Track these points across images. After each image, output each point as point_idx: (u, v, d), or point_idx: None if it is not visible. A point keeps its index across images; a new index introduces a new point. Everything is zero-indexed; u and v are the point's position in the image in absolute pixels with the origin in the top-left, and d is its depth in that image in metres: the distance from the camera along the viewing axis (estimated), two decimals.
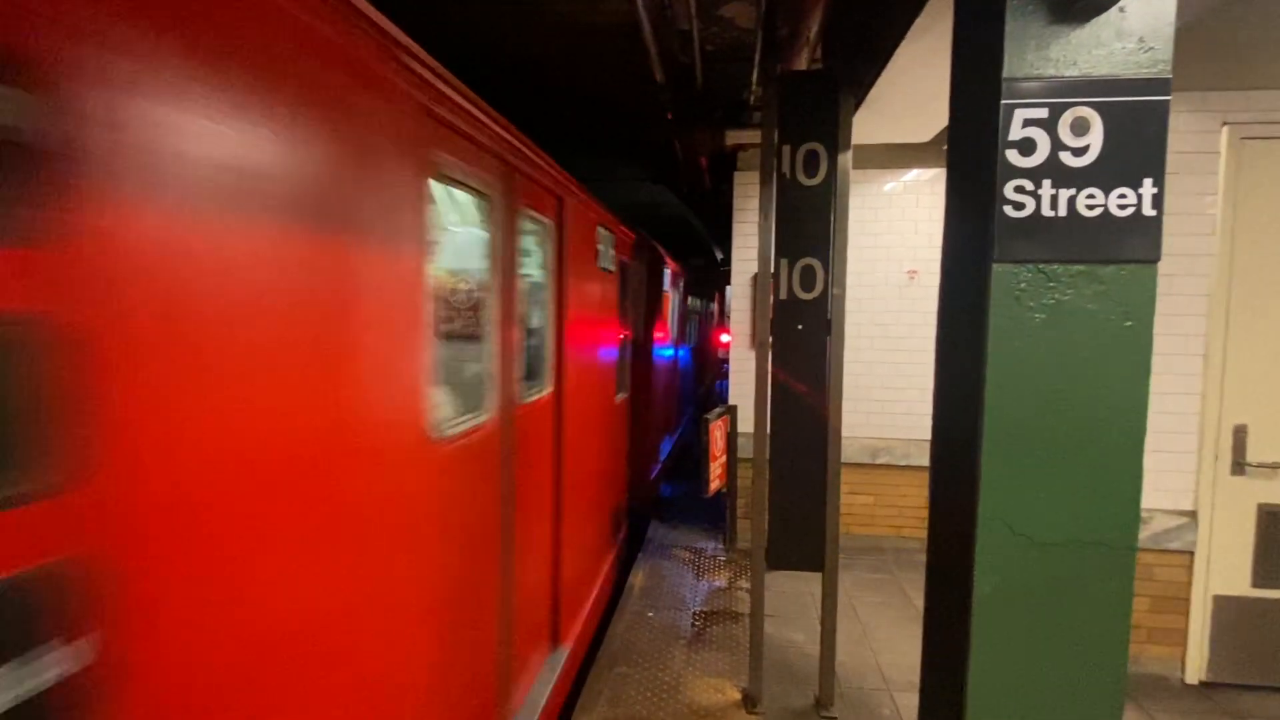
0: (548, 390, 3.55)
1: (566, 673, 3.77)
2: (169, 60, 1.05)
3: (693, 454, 8.64)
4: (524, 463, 3.13)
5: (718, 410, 5.76)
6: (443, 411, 2.21)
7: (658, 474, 7.92)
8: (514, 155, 2.82)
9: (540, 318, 3.53)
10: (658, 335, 7.76)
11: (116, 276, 0.97)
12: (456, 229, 2.75)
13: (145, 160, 1.01)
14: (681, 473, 8.95)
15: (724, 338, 12.59)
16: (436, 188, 2.12)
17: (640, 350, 6.75)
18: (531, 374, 3.33)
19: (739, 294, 6.24)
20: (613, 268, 5.03)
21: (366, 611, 1.70)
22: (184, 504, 1.10)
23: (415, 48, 1.86)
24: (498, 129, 2.54)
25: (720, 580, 5.48)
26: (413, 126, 1.91)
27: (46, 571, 0.89)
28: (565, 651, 3.78)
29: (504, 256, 2.85)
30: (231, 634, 1.22)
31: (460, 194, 2.57)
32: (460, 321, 2.75)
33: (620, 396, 5.62)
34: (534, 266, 3.44)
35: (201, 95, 1.12)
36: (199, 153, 1.12)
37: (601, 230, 4.63)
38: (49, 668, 0.89)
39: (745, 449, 5.34)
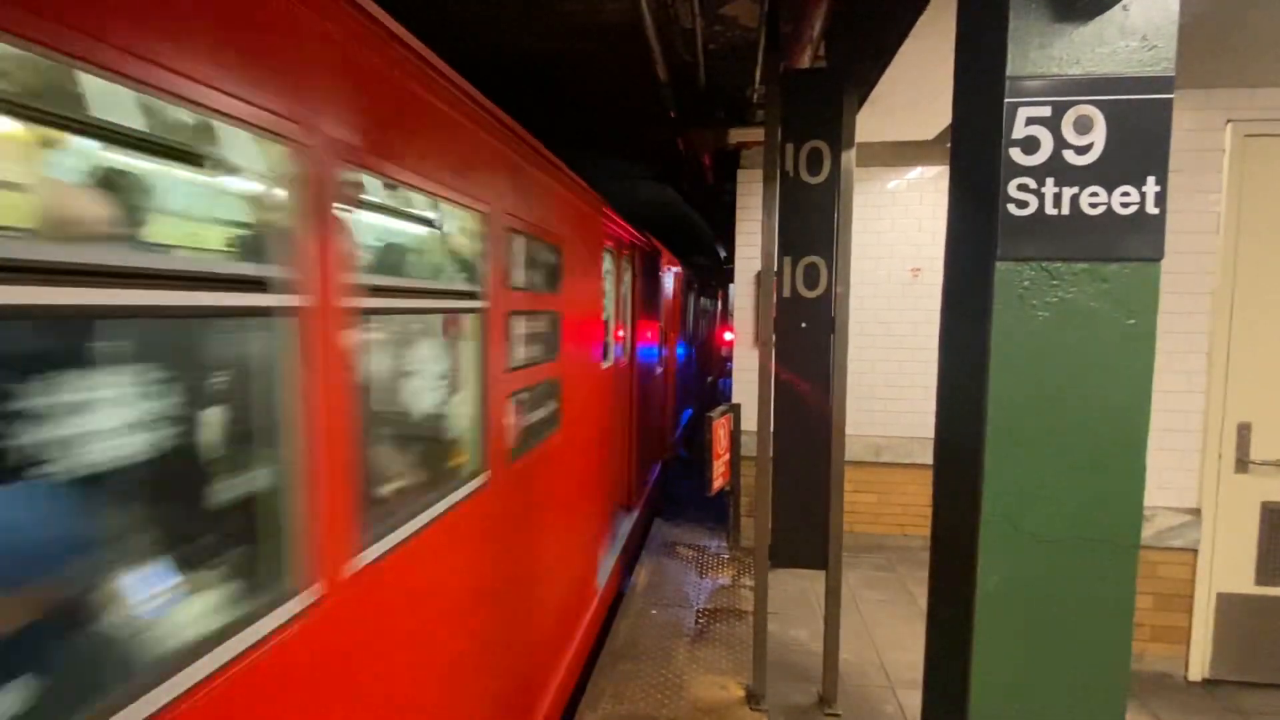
0: (627, 357, 6.22)
1: (635, 526, 6.20)
2: (580, 249, 4.17)
3: (697, 439, 9.86)
4: (619, 392, 5.77)
5: (721, 408, 5.76)
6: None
7: (680, 435, 10.75)
8: (623, 229, 5.61)
9: (625, 315, 6.16)
10: (680, 331, 10.71)
11: (569, 299, 3.82)
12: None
13: (574, 268, 3.97)
14: (690, 443, 11.10)
15: (727, 336, 13.80)
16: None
17: (668, 340, 9.17)
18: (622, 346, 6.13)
19: (742, 292, 6.24)
20: (655, 282, 7.73)
21: (593, 438, 4.59)
22: (571, 366, 3.88)
23: (606, 202, 4.69)
24: (619, 218, 5.34)
25: (724, 578, 5.49)
26: (600, 231, 4.73)
27: (556, 379, 3.61)
28: (636, 512, 6.34)
29: (616, 281, 5.74)
30: (578, 409, 4.10)
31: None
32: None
33: (659, 370, 8.33)
34: (624, 286, 6.14)
35: (579, 245, 4.13)
36: (579, 260, 4.12)
37: (652, 259, 7.41)
38: (553, 408, 3.58)
39: (749, 447, 5.35)
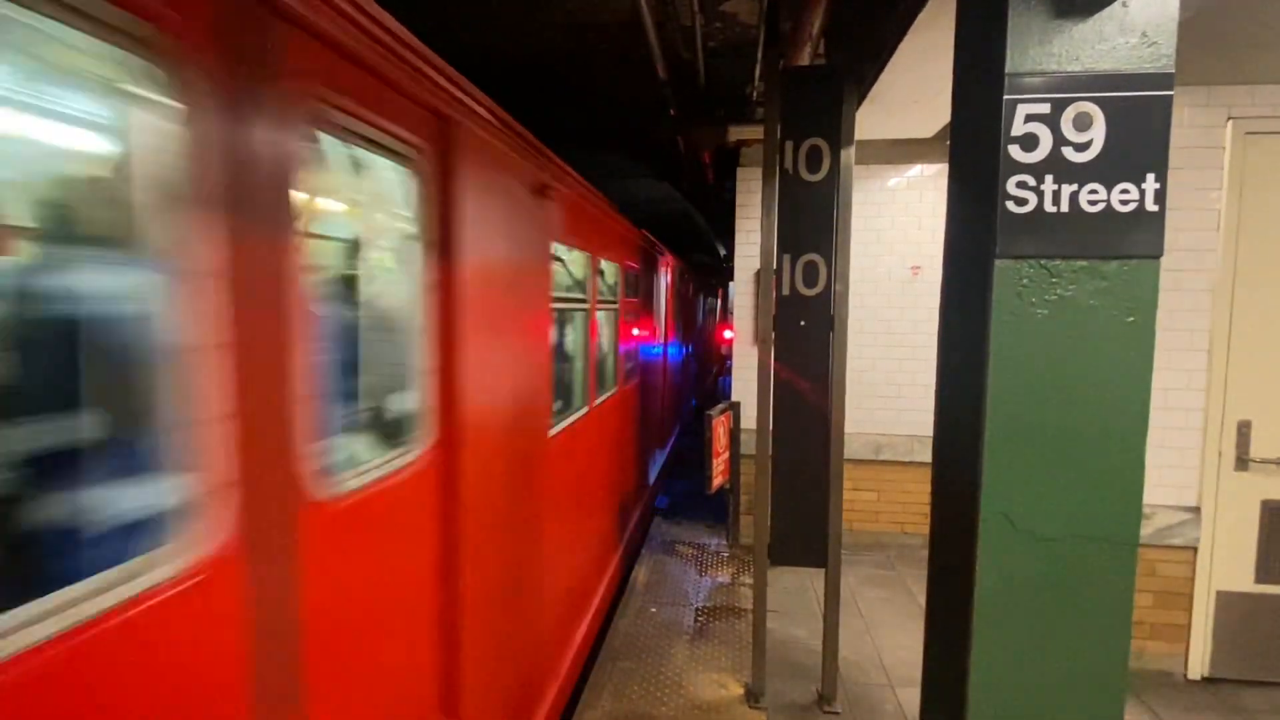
0: (664, 340, 8.56)
1: (668, 461, 8.88)
2: (647, 272, 7.29)
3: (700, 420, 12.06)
4: (663, 363, 8.47)
5: (720, 406, 5.76)
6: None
7: (692, 407, 13.75)
8: (662, 253, 7.79)
9: (664, 312, 8.46)
10: (692, 326, 13.92)
11: (643, 302, 6.90)
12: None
13: (646, 283, 7.12)
14: (698, 413, 13.16)
15: (727, 334, 15.80)
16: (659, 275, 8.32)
17: (686, 333, 11.99)
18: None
19: (742, 290, 6.24)
20: (676, 284, 9.92)
21: (656, 385, 8.06)
22: (647, 338, 7.28)
23: (661, 245, 7.81)
24: (662, 246, 7.83)
25: (723, 576, 5.49)
26: (654, 258, 7.53)
27: (641, 346, 6.94)
28: (667, 449, 9.01)
29: (661, 287, 8.19)
30: (648, 365, 7.42)
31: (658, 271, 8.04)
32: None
33: (680, 355, 11.12)
34: (663, 293, 8.47)
35: (647, 269, 7.17)
36: (646, 278, 7.16)
37: (676, 266, 9.74)
38: (638, 361, 6.69)
39: (748, 445, 5.34)
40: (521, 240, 2.85)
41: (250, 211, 1.30)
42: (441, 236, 2.12)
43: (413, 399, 2.05)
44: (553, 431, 3.41)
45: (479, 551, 2.41)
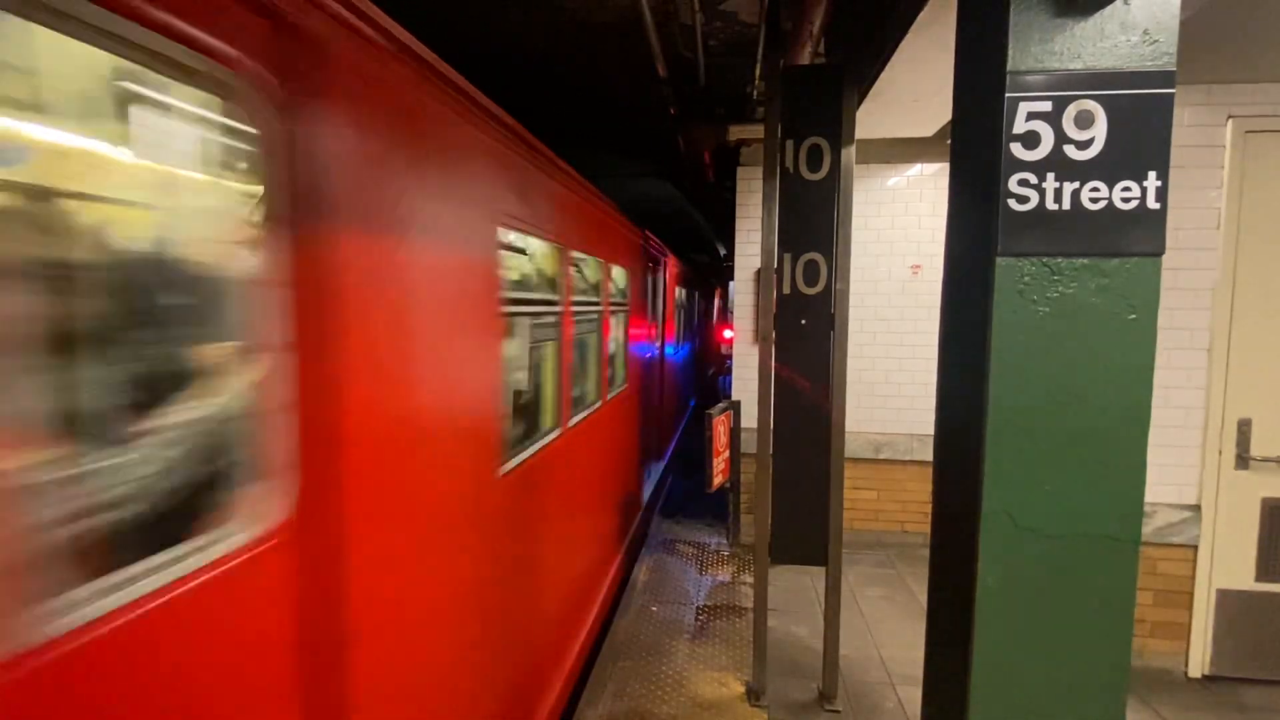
0: (691, 332, 13.41)
1: (696, 403, 14.19)
2: (689, 286, 13.24)
3: (703, 405, 14.53)
4: (690, 348, 13.85)
5: (720, 405, 5.76)
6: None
7: (696, 393, 15.93)
8: (683, 268, 11.02)
9: (689, 314, 12.76)
10: (703, 325, 16.69)
11: (679, 306, 10.82)
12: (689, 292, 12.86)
13: (684, 295, 11.81)
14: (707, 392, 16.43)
15: (727, 333, 17.05)
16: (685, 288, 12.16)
17: (698, 331, 15.01)
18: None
19: (742, 289, 6.23)
20: (689, 288, 12.24)
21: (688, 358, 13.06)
22: (685, 329, 12.01)
23: (678, 259, 10.54)
24: (681, 263, 10.76)
25: (724, 575, 5.50)
26: (684, 277, 11.47)
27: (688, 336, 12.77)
28: (691, 406, 13.44)
29: (689, 297, 12.84)
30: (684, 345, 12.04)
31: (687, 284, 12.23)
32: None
33: (695, 345, 14.37)
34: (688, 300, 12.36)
35: (688, 284, 12.40)
36: (684, 290, 11.75)
37: (687, 273, 11.77)
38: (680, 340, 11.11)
39: (749, 444, 5.34)
40: (663, 288, 7.36)
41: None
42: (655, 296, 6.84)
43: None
44: (670, 354, 7.40)
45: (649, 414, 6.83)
